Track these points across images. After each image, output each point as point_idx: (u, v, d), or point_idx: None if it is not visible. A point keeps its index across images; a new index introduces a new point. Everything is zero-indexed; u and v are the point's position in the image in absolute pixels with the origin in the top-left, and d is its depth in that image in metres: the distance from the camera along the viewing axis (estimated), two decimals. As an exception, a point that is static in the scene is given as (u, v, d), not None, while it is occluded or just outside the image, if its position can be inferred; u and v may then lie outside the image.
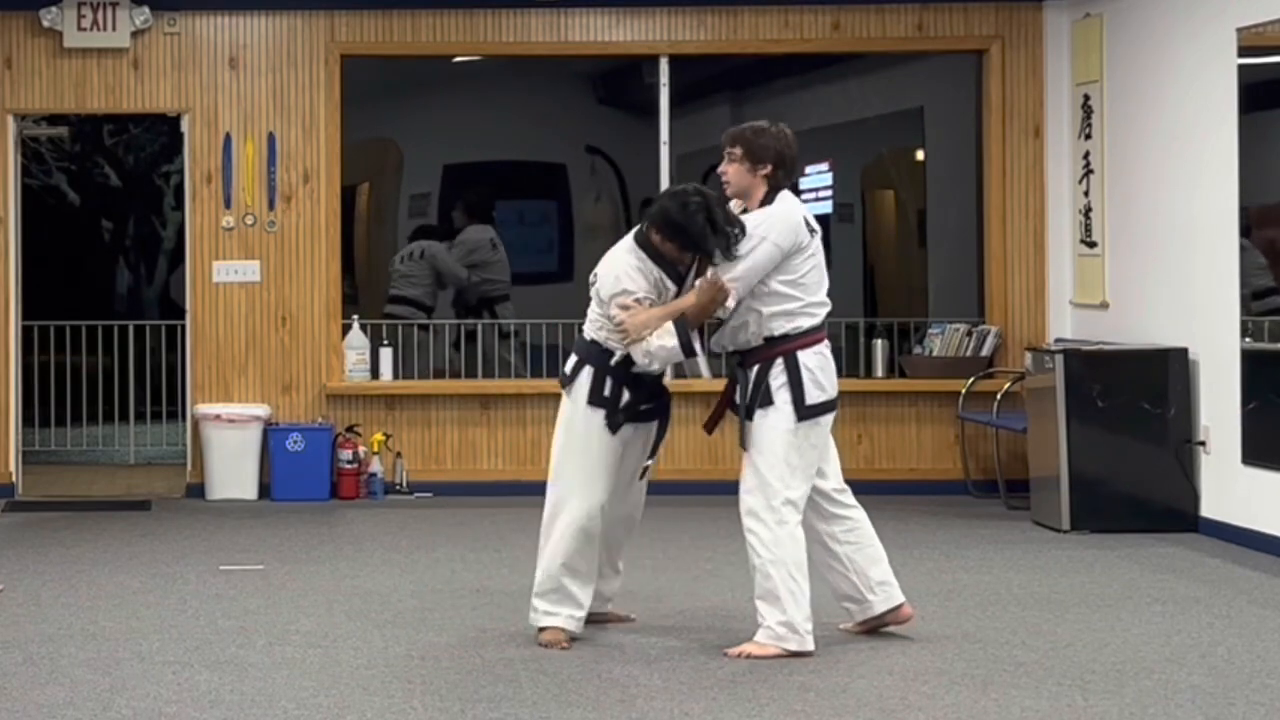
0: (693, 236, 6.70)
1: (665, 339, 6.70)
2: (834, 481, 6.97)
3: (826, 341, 6.85)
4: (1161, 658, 6.71)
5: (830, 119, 13.89)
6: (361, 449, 11.24)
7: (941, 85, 12.69)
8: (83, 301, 16.62)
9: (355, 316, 11.58)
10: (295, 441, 11.13)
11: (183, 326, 11.75)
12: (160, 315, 17.17)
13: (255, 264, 11.38)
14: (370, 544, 9.54)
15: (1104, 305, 10.79)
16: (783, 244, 6.68)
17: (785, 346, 6.73)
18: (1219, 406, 9.47)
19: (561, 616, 6.89)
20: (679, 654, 6.74)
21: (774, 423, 6.71)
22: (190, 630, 7.24)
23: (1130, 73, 10.48)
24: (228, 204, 11.38)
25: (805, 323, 6.74)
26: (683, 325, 6.69)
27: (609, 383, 6.83)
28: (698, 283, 6.74)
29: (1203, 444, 9.65)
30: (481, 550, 9.28)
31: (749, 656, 6.63)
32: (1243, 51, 9.26)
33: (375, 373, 11.48)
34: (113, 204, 20.08)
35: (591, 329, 6.91)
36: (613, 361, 6.83)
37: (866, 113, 13.69)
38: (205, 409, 11.25)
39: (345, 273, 11.67)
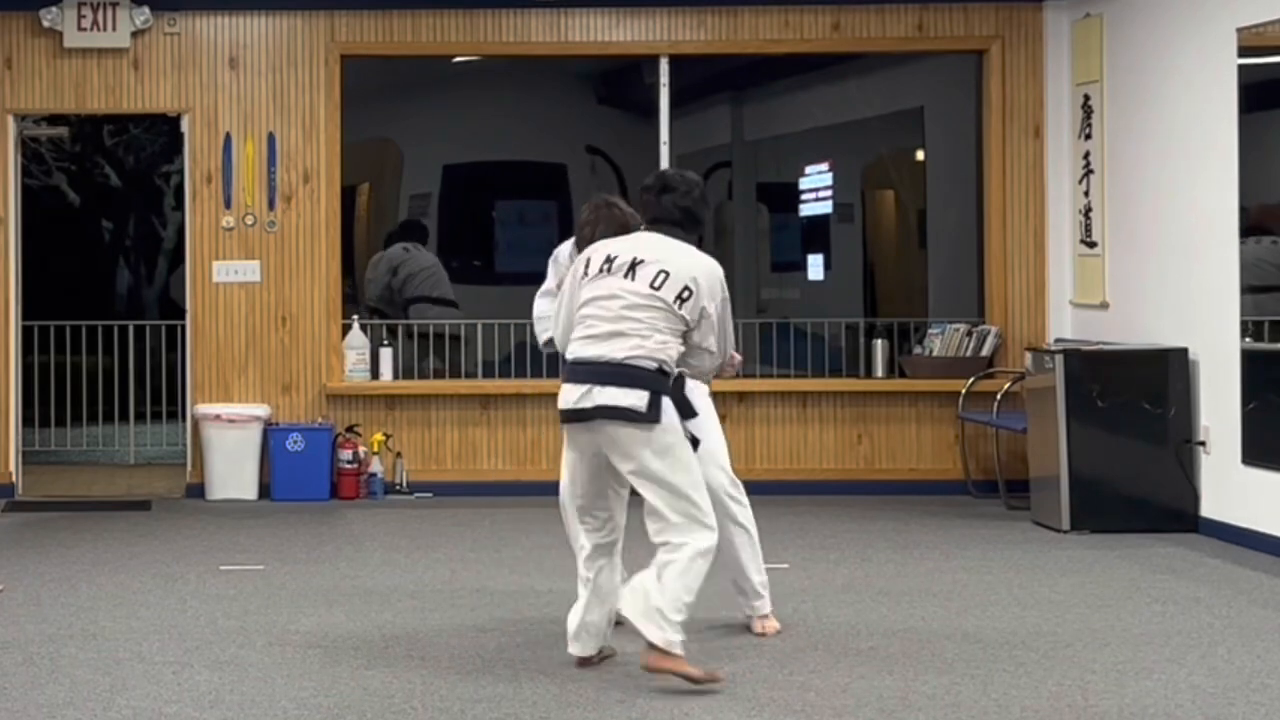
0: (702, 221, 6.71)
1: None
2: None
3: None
4: (1161, 658, 6.71)
5: (830, 119, 13.90)
6: (361, 449, 11.24)
7: (941, 85, 12.70)
8: (83, 301, 16.62)
9: (355, 316, 11.58)
10: (295, 441, 11.13)
11: (183, 326, 11.75)
12: (160, 315, 17.18)
13: (255, 264, 11.38)
14: (370, 544, 9.54)
15: (1104, 305, 10.79)
16: None
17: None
18: (1219, 406, 9.47)
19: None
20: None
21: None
22: (190, 630, 7.24)
23: (1130, 73, 10.48)
24: (228, 204, 11.38)
25: None
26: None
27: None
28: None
29: (1203, 444, 9.65)
30: (481, 550, 9.28)
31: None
32: (1243, 51, 9.26)
33: (375, 373, 11.48)
34: (113, 204, 20.08)
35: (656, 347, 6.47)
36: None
37: (866, 113, 13.69)
38: (205, 409, 11.25)
39: (345, 273, 11.67)
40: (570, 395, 6.35)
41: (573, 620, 6.56)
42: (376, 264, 13.11)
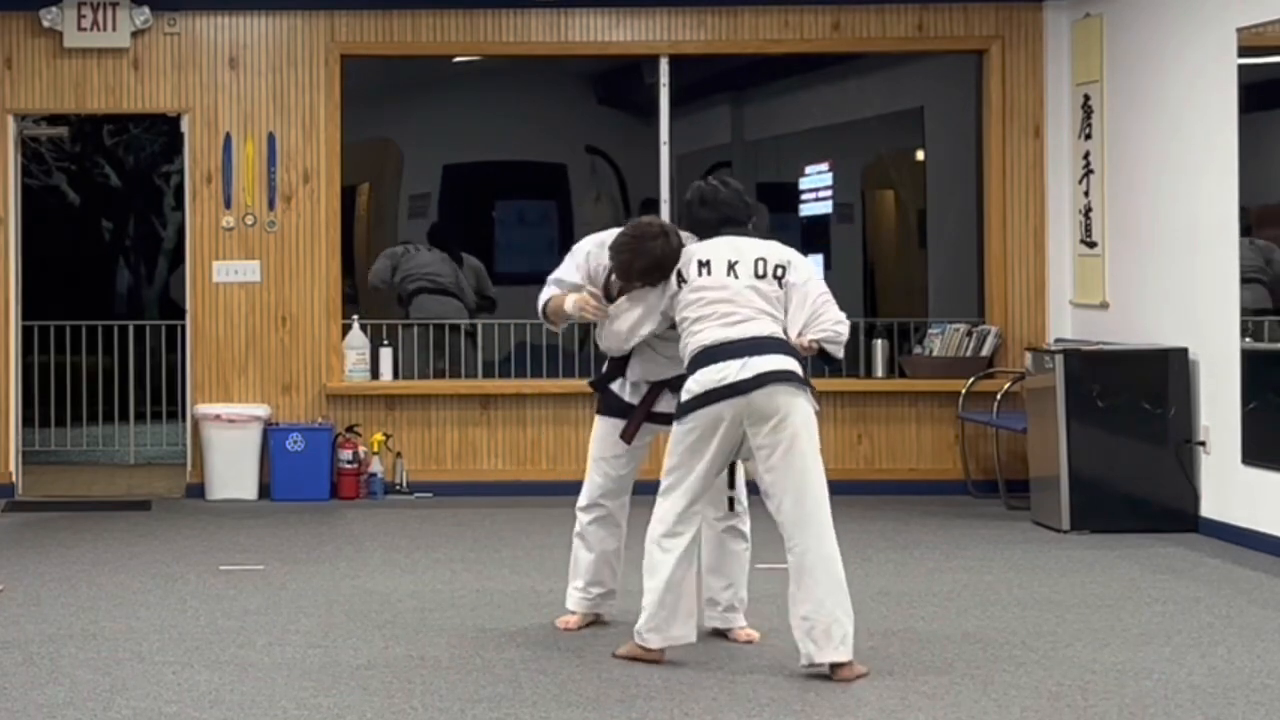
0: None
1: None
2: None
3: None
4: (1161, 658, 6.72)
5: (830, 119, 13.90)
6: (361, 449, 11.24)
7: (941, 85, 12.69)
8: (83, 301, 16.62)
9: (355, 316, 11.58)
10: (295, 441, 11.13)
11: (183, 326, 11.74)
12: (160, 315, 17.17)
13: (255, 264, 11.38)
14: (370, 544, 9.54)
15: (1104, 305, 10.79)
16: None
17: None
18: (1219, 406, 9.47)
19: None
20: (679, 654, 6.73)
21: None
22: (190, 630, 7.24)
23: (1130, 73, 10.48)
24: (228, 204, 11.38)
25: None
26: None
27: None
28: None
29: (1203, 444, 9.65)
30: (481, 551, 9.28)
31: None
32: (1243, 51, 9.26)
33: (375, 373, 11.48)
34: (113, 204, 20.08)
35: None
36: None
37: (866, 113, 13.69)
38: (205, 409, 11.25)
39: (345, 273, 11.67)
40: (724, 372, 6.45)
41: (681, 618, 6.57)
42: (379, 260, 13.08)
